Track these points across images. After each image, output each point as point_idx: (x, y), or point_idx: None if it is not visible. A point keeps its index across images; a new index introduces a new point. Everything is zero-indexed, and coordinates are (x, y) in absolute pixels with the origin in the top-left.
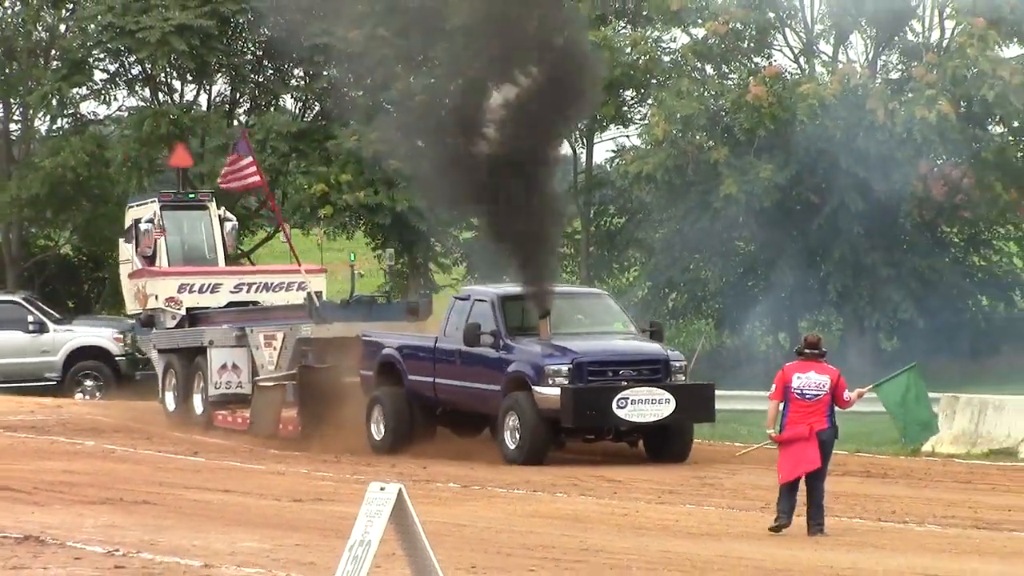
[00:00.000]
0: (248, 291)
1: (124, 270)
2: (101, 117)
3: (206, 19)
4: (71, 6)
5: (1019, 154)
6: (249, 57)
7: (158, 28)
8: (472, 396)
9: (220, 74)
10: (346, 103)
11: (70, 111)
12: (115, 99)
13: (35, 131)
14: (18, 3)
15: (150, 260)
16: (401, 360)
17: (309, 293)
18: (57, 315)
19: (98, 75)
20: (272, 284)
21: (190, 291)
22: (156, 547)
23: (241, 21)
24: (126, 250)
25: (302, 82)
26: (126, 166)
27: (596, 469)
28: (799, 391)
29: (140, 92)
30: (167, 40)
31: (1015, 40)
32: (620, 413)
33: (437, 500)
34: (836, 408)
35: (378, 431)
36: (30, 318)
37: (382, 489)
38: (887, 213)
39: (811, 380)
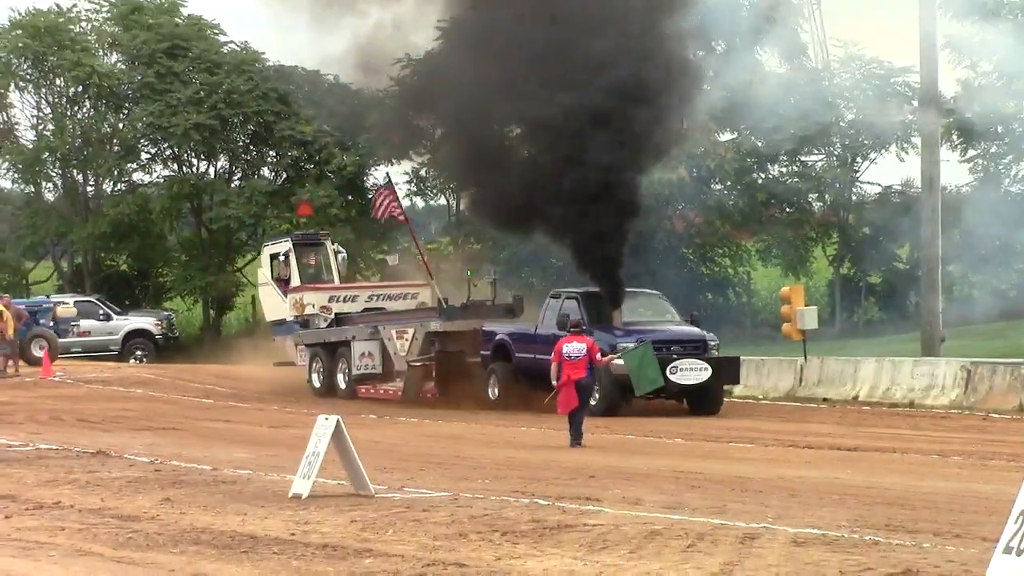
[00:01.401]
0: (378, 300)
1: (262, 291)
2: (146, 182)
3: (213, 120)
4: (126, 111)
5: (730, 203)
6: (241, 143)
7: (182, 125)
8: None
9: (222, 154)
10: (303, 172)
11: (125, 179)
12: (155, 171)
13: (104, 191)
14: (92, 110)
15: (285, 283)
16: (511, 343)
17: (440, 298)
18: (118, 309)
19: (143, 155)
20: (394, 295)
21: (337, 301)
22: (181, 456)
23: (236, 121)
24: (263, 275)
25: (275, 159)
26: (162, 214)
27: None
28: (568, 355)
29: (170, 166)
30: (188, 133)
31: (727, 128)
32: (672, 378)
33: (363, 425)
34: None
35: (493, 393)
36: (100, 311)
37: (326, 419)
38: (646, 240)
39: (575, 347)
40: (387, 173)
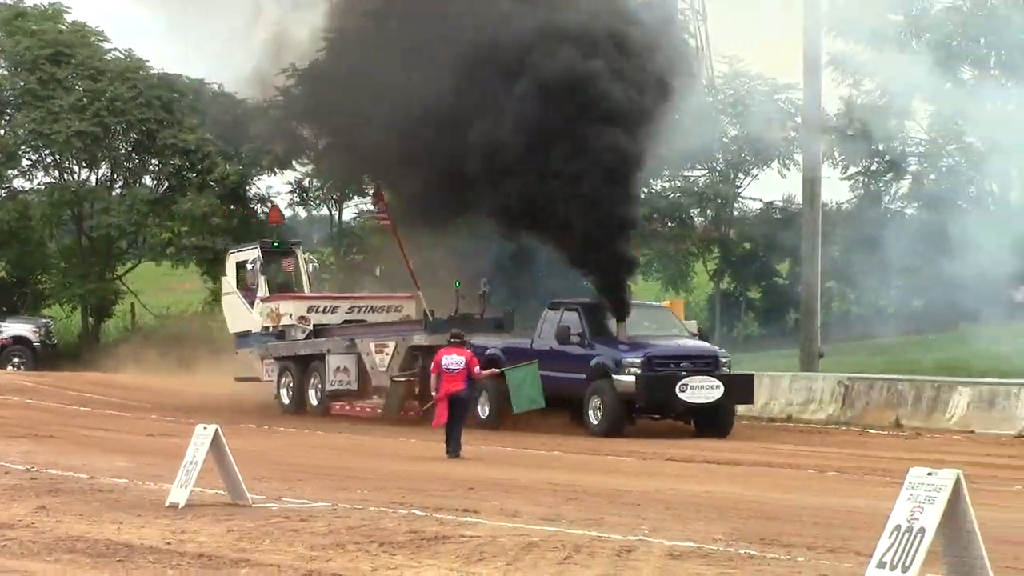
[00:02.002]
0: (359, 312)
1: (226, 300)
2: (26, 189)
3: (96, 127)
4: (8, 117)
5: None
6: (123, 151)
7: (64, 132)
8: (561, 383)
9: (104, 161)
10: (185, 181)
11: (6, 185)
12: (36, 177)
13: None
14: None
15: (252, 292)
16: (503, 358)
17: (425, 310)
18: None
19: (24, 162)
20: (376, 307)
21: (316, 311)
22: (57, 464)
23: (118, 129)
24: (228, 284)
25: (157, 167)
26: (42, 221)
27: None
28: (446, 367)
29: (51, 173)
30: (70, 140)
31: None
32: (682, 396)
33: (242, 435)
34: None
35: (483, 411)
36: None
37: (205, 428)
38: (529, 253)
39: (453, 359)
40: (377, 184)
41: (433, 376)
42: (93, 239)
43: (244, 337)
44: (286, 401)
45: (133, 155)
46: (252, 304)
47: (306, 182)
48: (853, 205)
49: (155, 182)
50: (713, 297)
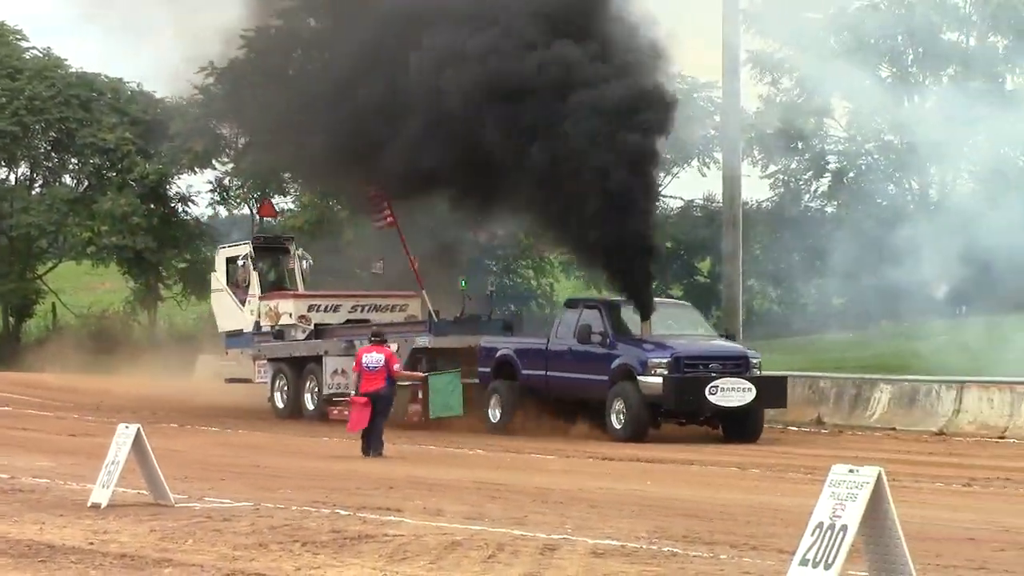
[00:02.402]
0: (362, 311)
1: (215, 297)
2: None
3: (14, 126)
4: None
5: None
6: (42, 150)
7: None
8: (580, 385)
9: (23, 161)
10: (105, 180)
11: None
12: None
13: None
14: None
15: (243, 290)
16: (517, 359)
17: (431, 311)
18: None
19: None
20: (380, 306)
21: (318, 310)
22: None
23: (37, 128)
24: (217, 280)
25: (76, 166)
26: None
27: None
28: (366, 365)
29: None
30: None
31: None
32: (712, 399)
33: (165, 435)
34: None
35: (494, 415)
36: None
37: (127, 427)
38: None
39: (373, 358)
40: (379, 189)
41: (354, 375)
42: (13, 239)
43: (235, 337)
44: (280, 405)
45: (52, 154)
46: (243, 302)
47: (226, 181)
48: (773, 203)
49: (75, 181)
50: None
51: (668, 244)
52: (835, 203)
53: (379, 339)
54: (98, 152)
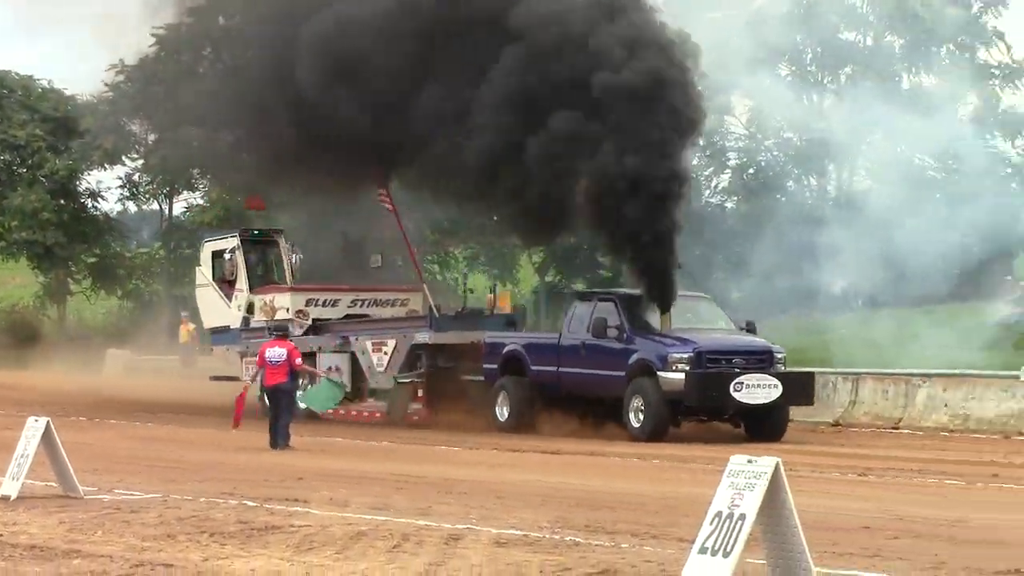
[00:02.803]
0: (362, 306)
1: (200, 292)
2: None
3: None
4: None
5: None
6: None
7: None
8: (595, 382)
9: None
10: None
11: None
12: None
13: None
14: None
15: (230, 284)
16: (526, 355)
17: (431, 306)
18: None
19: None
20: (380, 300)
21: (316, 304)
22: None
23: None
24: (203, 275)
25: None
26: None
27: None
28: (269, 359)
29: None
30: None
31: None
32: (736, 396)
33: (74, 427)
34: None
35: (502, 414)
36: None
37: (36, 420)
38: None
39: (276, 352)
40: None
41: (255, 369)
42: None
43: (221, 333)
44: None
45: None
46: (230, 297)
47: (136, 177)
48: None
49: None
50: (538, 290)
51: (572, 239)
52: (735, 198)
53: (281, 333)
54: (8, 148)
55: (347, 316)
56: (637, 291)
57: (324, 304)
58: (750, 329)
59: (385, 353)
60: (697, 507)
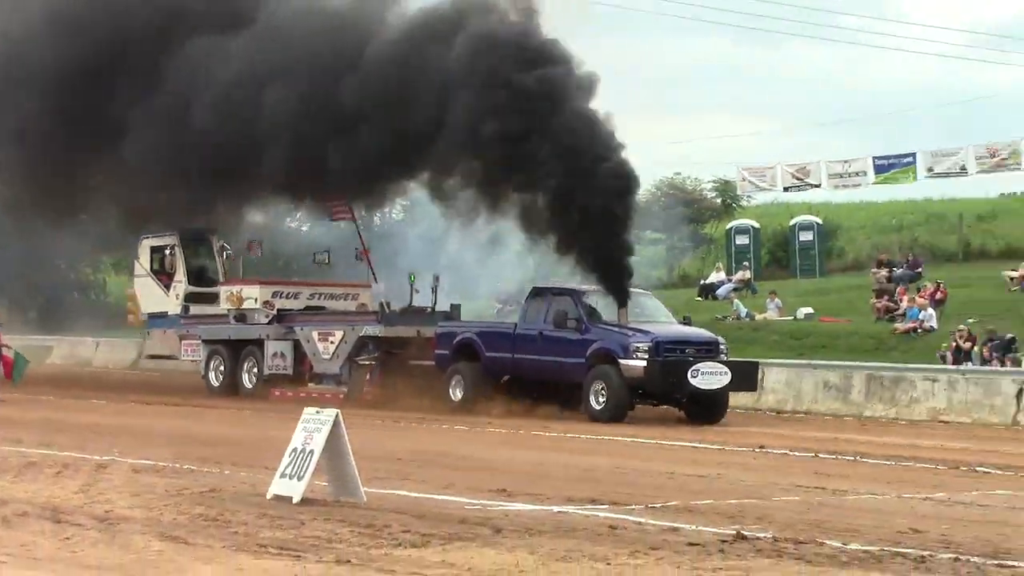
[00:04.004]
0: (320, 299)
1: (139, 282)
2: None
3: None
4: None
5: None
6: None
7: None
8: (553, 368)
9: None
10: None
11: None
12: None
13: None
14: None
15: (169, 276)
16: (479, 342)
17: (382, 303)
18: None
19: None
20: (335, 294)
21: (280, 296)
22: None
23: None
24: (141, 267)
25: None
26: None
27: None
28: None
29: None
30: None
31: None
32: (693, 381)
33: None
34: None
35: (455, 395)
36: None
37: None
38: None
39: None
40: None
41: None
42: None
43: (158, 318)
44: (215, 383)
45: None
46: (168, 287)
47: None
48: None
49: None
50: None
51: None
52: None
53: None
54: None
55: (306, 307)
56: (588, 287)
57: (287, 296)
58: (687, 322)
59: (331, 343)
60: (284, 445)
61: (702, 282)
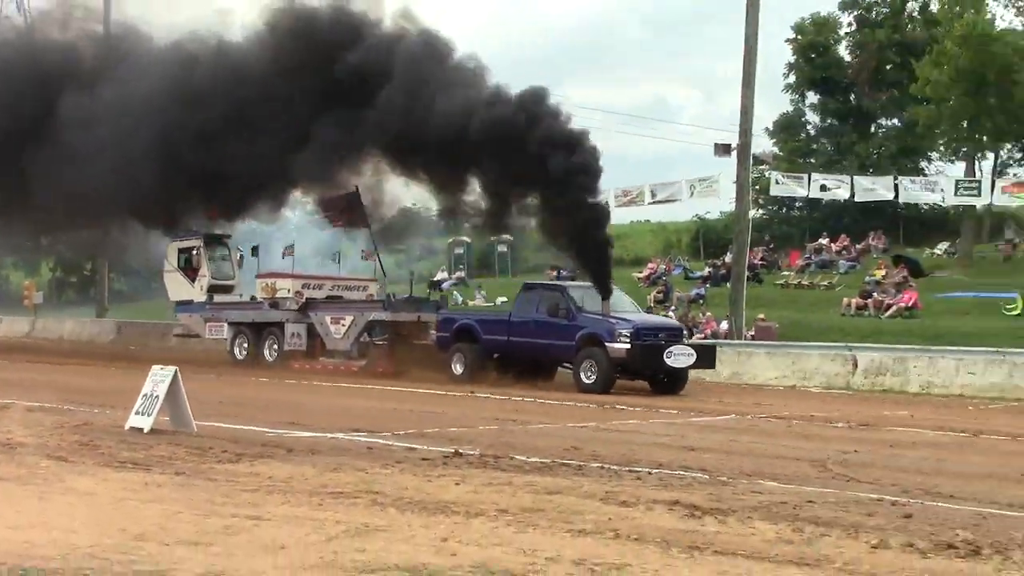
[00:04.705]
0: (338, 290)
1: (168, 276)
2: None
3: None
4: None
5: None
6: None
7: None
8: (545, 349)
9: None
10: None
11: None
12: None
13: None
14: None
15: (195, 271)
16: (477, 327)
17: (388, 294)
18: None
19: None
20: (351, 286)
21: (308, 288)
22: None
23: None
24: (169, 264)
25: None
26: None
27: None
28: None
29: None
30: None
31: None
32: (668, 361)
33: None
34: None
35: (457, 369)
36: None
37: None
38: None
39: None
40: (356, 186)
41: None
42: None
43: (184, 304)
44: (240, 356)
45: None
46: (193, 280)
47: None
48: None
49: None
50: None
51: None
52: None
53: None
54: None
55: (328, 297)
56: (572, 283)
57: (313, 287)
58: (651, 311)
59: (343, 325)
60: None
61: (431, 279)
